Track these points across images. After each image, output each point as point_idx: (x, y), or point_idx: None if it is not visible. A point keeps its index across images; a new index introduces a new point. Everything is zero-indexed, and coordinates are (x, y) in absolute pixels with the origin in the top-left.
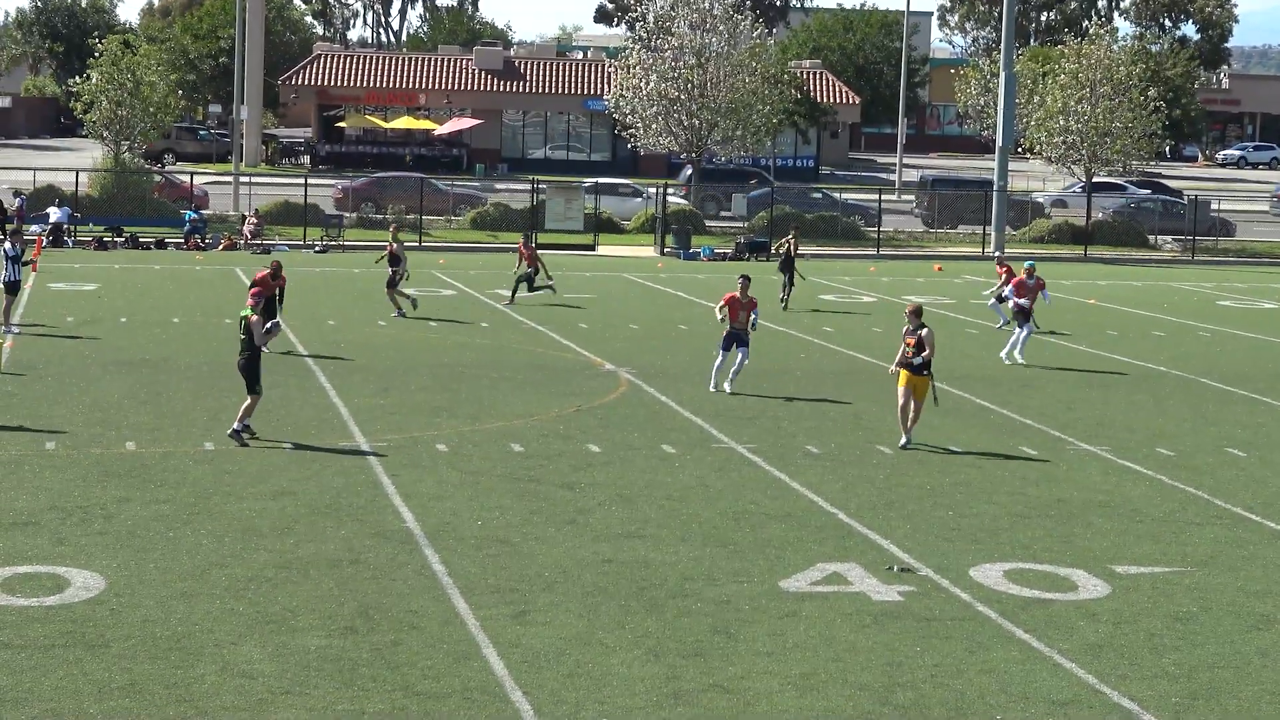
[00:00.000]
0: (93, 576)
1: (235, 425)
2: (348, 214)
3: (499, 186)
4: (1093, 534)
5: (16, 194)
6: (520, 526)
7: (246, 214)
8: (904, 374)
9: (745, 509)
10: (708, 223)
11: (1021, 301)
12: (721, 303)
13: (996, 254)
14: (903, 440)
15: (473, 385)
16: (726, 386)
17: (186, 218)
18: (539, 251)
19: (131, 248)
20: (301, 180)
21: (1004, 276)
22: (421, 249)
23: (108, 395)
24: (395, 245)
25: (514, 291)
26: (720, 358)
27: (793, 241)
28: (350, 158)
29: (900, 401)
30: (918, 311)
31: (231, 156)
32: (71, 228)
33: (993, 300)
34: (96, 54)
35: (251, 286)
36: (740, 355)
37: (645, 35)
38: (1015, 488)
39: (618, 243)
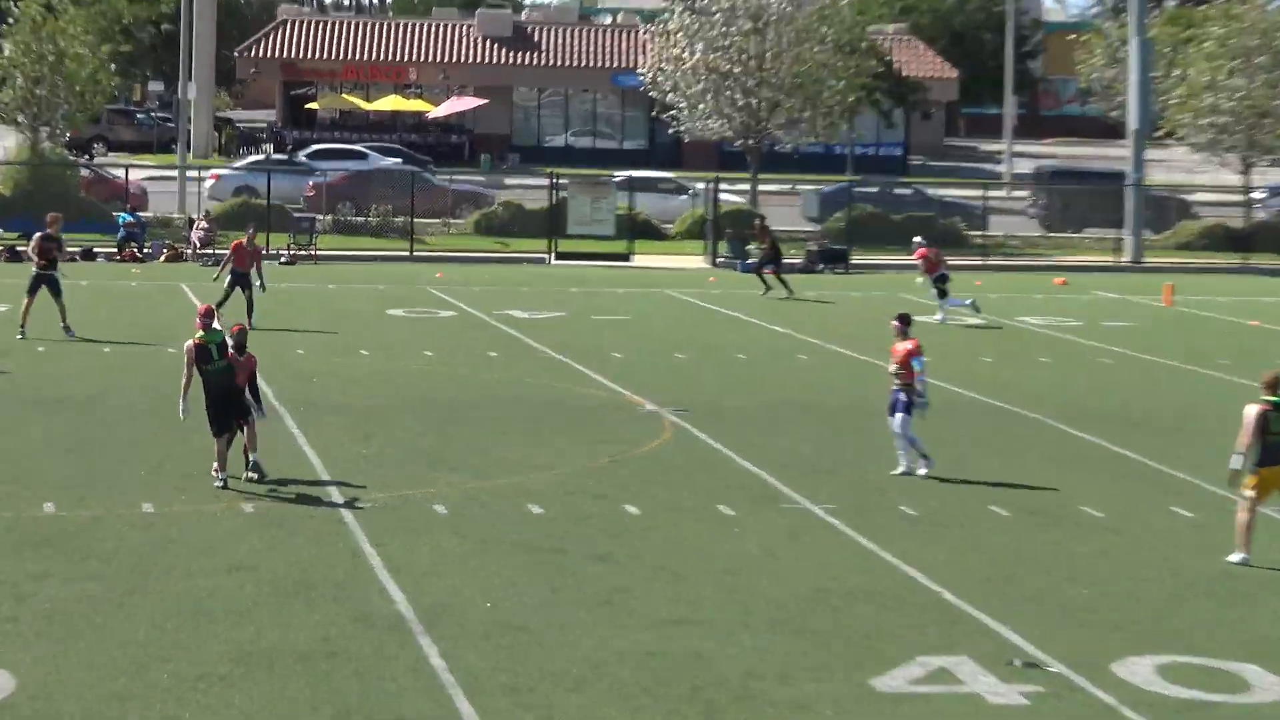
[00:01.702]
0: (0, 674)
1: (252, 457)
2: (321, 216)
3: (509, 182)
4: (1268, 619)
5: None
6: (540, 609)
7: (195, 217)
8: None
9: (824, 586)
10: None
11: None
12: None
13: (915, 241)
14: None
15: (478, 430)
16: (921, 468)
17: (120, 221)
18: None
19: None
20: (264, 175)
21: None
22: (413, 259)
23: (21, 444)
24: (250, 248)
25: None
26: (897, 426)
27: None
28: (324, 147)
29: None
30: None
31: (176, 145)
32: None
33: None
34: (10, 19)
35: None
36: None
37: None
38: (1167, 558)
39: (658, 251)
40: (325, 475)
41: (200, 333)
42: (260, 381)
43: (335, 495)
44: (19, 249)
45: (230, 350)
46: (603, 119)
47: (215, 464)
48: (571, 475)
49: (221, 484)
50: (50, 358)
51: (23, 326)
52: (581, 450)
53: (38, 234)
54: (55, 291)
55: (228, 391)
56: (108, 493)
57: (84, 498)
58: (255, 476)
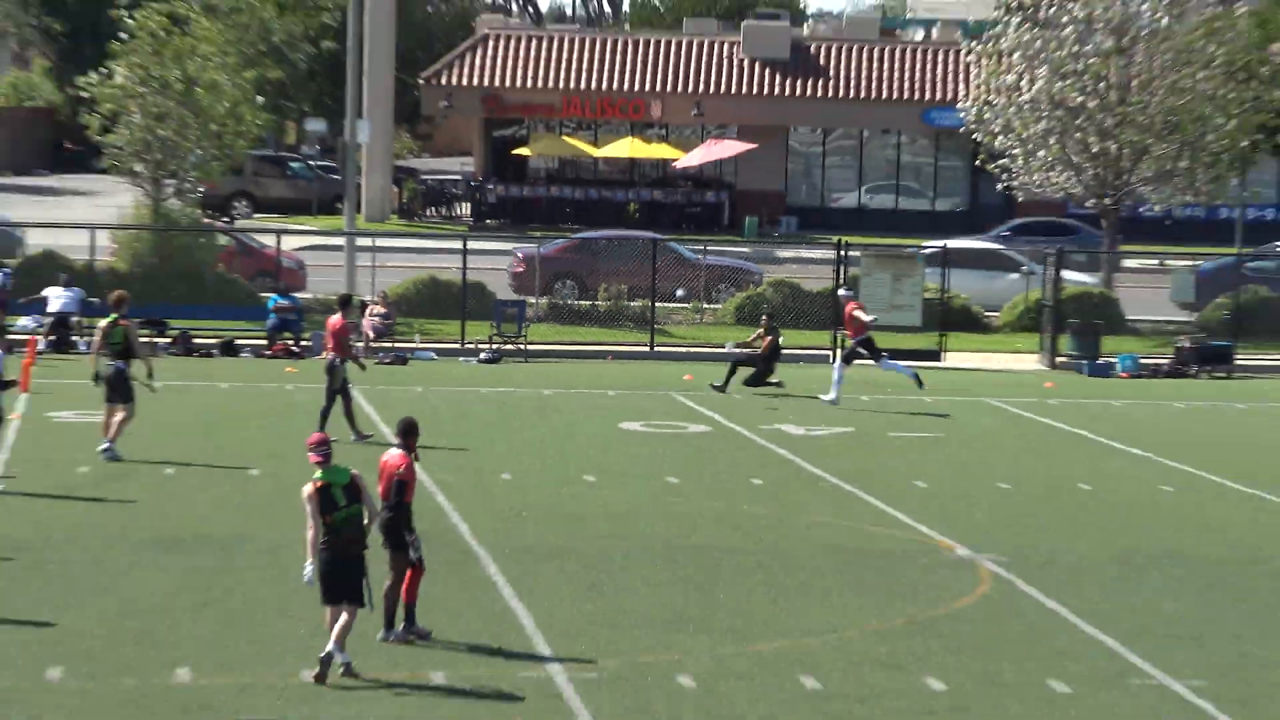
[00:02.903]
0: None
1: (338, 655)
2: (533, 299)
3: (782, 255)
4: None
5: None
6: None
7: (368, 299)
8: None
9: None
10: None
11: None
12: None
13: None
14: None
15: (737, 581)
16: None
17: (270, 305)
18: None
19: (182, 353)
20: (459, 244)
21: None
22: (654, 356)
23: (145, 594)
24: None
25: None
26: None
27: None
28: (537, 207)
29: None
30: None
31: (344, 205)
32: (84, 321)
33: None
34: (122, 36)
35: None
36: None
37: (1029, 1)
38: None
39: (979, 346)
40: (539, 638)
41: (318, 472)
42: (450, 514)
43: (552, 663)
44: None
45: (393, 453)
46: (909, 170)
47: (332, 644)
48: (858, 639)
49: (344, 668)
50: (181, 484)
51: (109, 440)
52: (871, 607)
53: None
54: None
55: (354, 549)
56: (256, 657)
57: (226, 662)
58: (344, 670)
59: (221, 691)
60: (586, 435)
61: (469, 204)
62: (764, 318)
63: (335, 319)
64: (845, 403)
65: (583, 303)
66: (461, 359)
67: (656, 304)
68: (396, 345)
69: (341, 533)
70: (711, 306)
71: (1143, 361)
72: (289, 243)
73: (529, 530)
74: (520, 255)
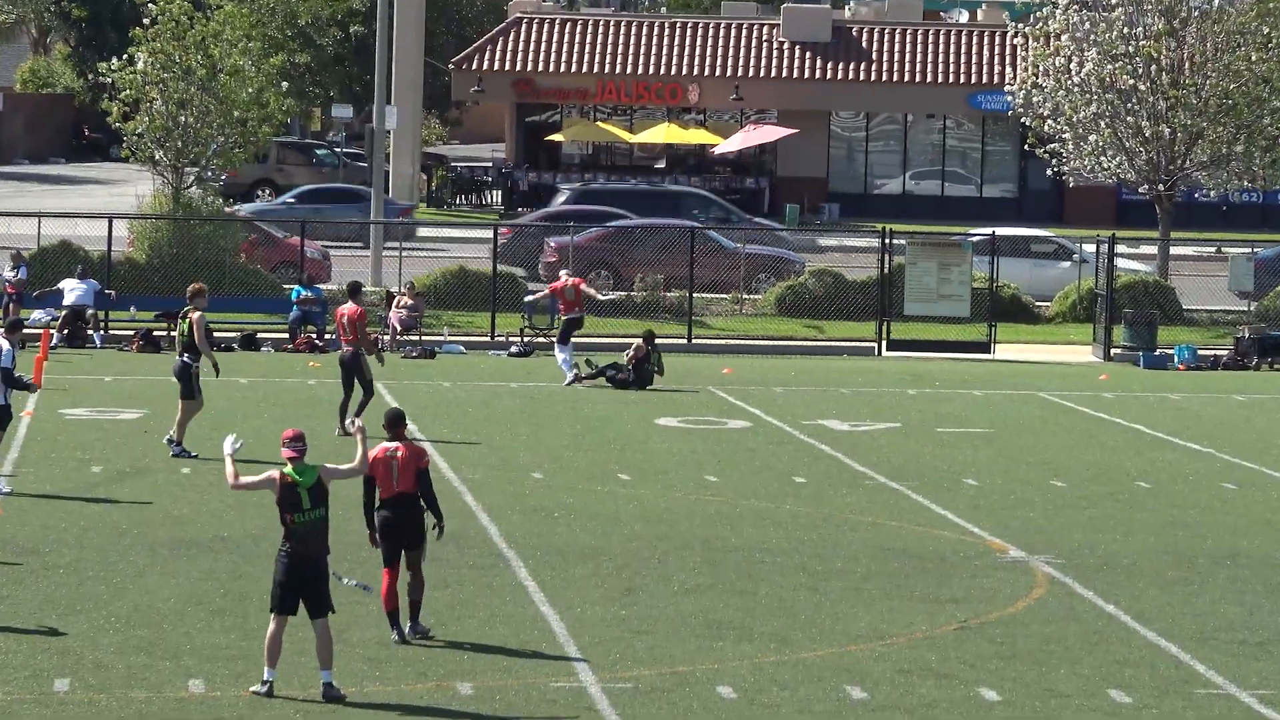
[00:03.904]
0: None
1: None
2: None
3: (824, 243)
4: None
5: (15, 260)
6: None
7: (395, 290)
8: None
9: None
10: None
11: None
12: None
13: None
14: None
15: (779, 584)
16: None
17: (294, 297)
18: None
19: None
20: (489, 233)
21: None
22: (692, 348)
23: (158, 600)
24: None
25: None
26: None
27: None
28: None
29: None
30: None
31: (370, 192)
32: (100, 314)
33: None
34: (144, 20)
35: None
36: None
37: None
38: None
39: (1030, 337)
40: (571, 645)
41: (288, 466)
42: (479, 515)
43: (585, 673)
44: (158, 334)
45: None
46: (955, 155)
47: (321, 669)
48: (907, 647)
49: (265, 689)
50: (195, 486)
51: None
52: (921, 612)
53: None
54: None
55: (316, 555)
56: (278, 664)
57: (242, 673)
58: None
59: (236, 705)
60: (621, 432)
61: (500, 192)
62: (646, 332)
63: (350, 307)
64: (891, 396)
65: (611, 296)
66: (491, 352)
67: (695, 294)
68: (425, 338)
69: (304, 537)
70: (751, 297)
71: (1201, 353)
72: (315, 236)
73: (561, 531)
74: (553, 244)
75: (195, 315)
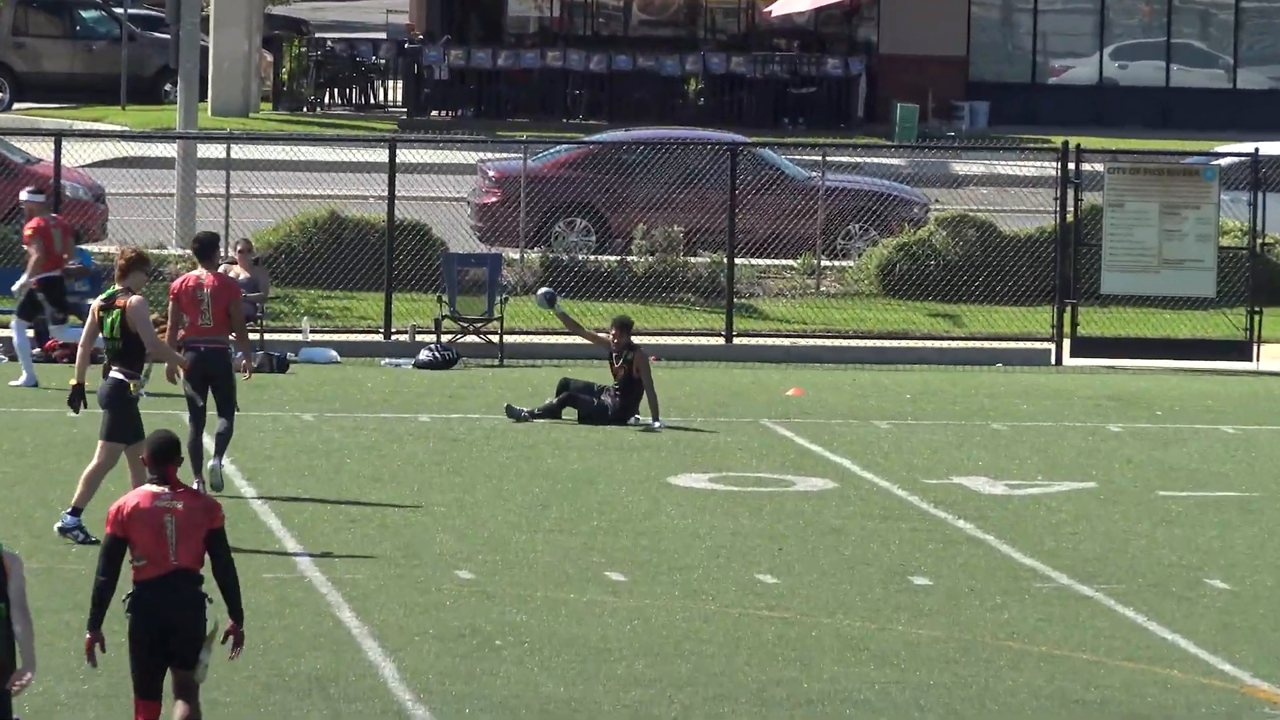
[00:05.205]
0: None
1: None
2: (514, 252)
3: (963, 169)
4: None
5: None
6: None
7: (221, 257)
8: None
9: None
10: None
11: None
12: None
13: None
14: None
15: None
16: None
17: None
18: None
19: None
20: (384, 156)
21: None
22: (730, 353)
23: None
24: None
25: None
26: None
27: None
28: (521, 85)
29: None
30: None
31: (175, 87)
32: None
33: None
34: None
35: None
36: None
37: None
38: None
39: None
40: None
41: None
42: (363, 643)
43: None
44: None
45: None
46: (1190, 18)
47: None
48: None
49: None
50: None
51: None
52: None
53: None
54: None
55: None
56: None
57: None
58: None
59: None
60: (610, 499)
61: (401, 83)
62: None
63: (208, 276)
64: (1079, 435)
65: (604, 258)
66: (385, 360)
67: (737, 261)
68: (268, 337)
69: None
70: (837, 265)
71: None
72: (75, 154)
73: (503, 673)
74: (493, 173)
75: (132, 301)
